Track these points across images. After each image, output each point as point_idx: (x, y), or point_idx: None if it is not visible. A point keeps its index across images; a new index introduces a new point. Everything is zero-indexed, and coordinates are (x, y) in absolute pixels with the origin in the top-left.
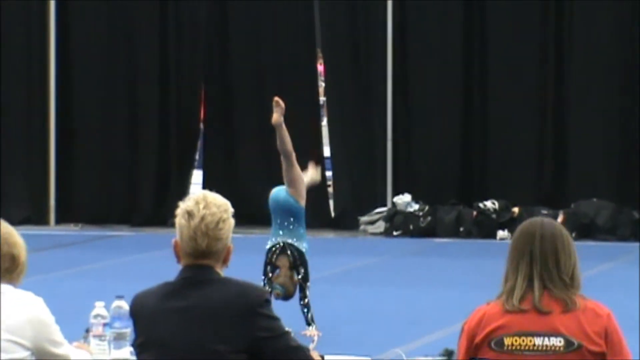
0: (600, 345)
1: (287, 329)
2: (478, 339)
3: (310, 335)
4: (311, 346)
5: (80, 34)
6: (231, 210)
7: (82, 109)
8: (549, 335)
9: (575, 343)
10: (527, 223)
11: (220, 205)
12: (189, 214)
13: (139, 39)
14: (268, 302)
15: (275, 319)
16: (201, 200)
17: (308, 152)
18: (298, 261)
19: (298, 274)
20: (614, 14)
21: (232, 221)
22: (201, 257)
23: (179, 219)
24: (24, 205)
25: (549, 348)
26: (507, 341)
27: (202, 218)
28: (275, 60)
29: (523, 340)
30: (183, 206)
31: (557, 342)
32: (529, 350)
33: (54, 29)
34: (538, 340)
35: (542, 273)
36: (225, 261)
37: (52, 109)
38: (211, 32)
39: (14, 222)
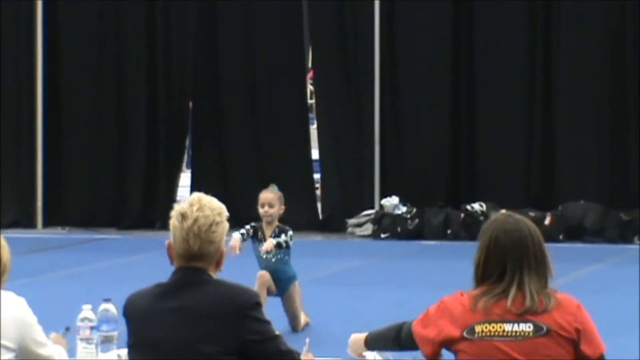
0: (570, 333)
1: (277, 332)
2: (453, 329)
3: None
4: (304, 349)
5: (68, 36)
6: (226, 214)
7: (70, 112)
8: (518, 322)
9: (545, 328)
10: (514, 229)
11: (214, 208)
12: (183, 216)
13: (128, 41)
14: (259, 304)
15: (266, 322)
16: (195, 203)
17: (297, 155)
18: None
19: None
20: (603, 14)
21: (226, 225)
22: (193, 259)
23: (173, 220)
24: (12, 209)
25: (518, 333)
26: (478, 329)
27: (195, 220)
28: (265, 62)
29: (493, 327)
30: (177, 208)
31: (526, 327)
32: (499, 336)
33: (41, 31)
34: (508, 327)
35: (534, 284)
36: (218, 265)
37: (39, 112)
38: (200, 34)
39: (1, 225)
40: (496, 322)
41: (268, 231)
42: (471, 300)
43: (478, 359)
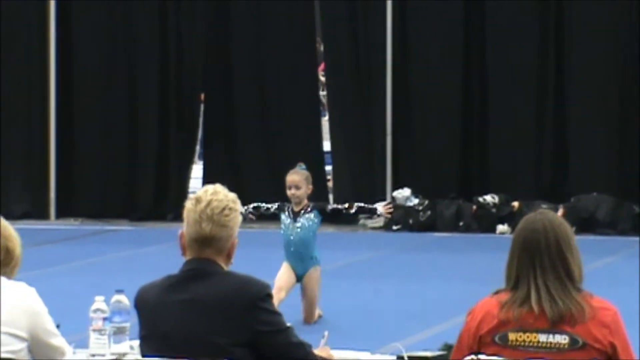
0: (604, 346)
1: (288, 324)
2: (483, 331)
3: None
4: (322, 342)
5: (81, 28)
6: (240, 206)
7: (82, 104)
8: (553, 333)
9: (580, 341)
10: (529, 228)
11: (228, 195)
12: (197, 200)
13: (139, 35)
14: (269, 296)
15: (276, 313)
16: (210, 189)
17: (309, 147)
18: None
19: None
20: (614, 8)
21: (239, 216)
22: (205, 244)
23: (187, 205)
24: (24, 200)
25: (553, 345)
26: (512, 337)
27: (209, 203)
28: (276, 55)
29: (527, 337)
30: (192, 196)
31: (561, 339)
32: (533, 347)
33: (54, 22)
34: (542, 337)
35: (552, 285)
36: (229, 256)
37: (52, 104)
38: (211, 27)
39: (14, 217)
40: (530, 332)
41: (297, 209)
42: (499, 307)
43: None
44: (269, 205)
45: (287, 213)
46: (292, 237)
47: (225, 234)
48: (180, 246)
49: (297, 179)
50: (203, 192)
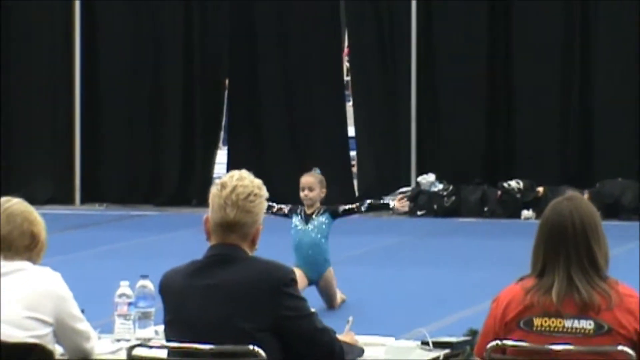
0: (629, 332)
1: (312, 309)
2: (508, 318)
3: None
4: (346, 327)
5: (105, 11)
6: (265, 192)
7: (107, 90)
8: (579, 318)
9: (606, 326)
10: (556, 213)
11: (254, 181)
12: (222, 185)
13: (165, 18)
14: (294, 281)
15: (301, 299)
16: (236, 174)
17: (333, 132)
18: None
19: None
20: None
21: (264, 202)
22: (229, 230)
23: (213, 190)
24: (49, 185)
25: (578, 330)
26: (537, 322)
27: (234, 188)
28: (301, 40)
29: (552, 322)
30: (218, 181)
31: (587, 324)
32: (558, 332)
33: (79, 7)
34: (568, 322)
35: (576, 275)
36: (253, 242)
37: (77, 89)
38: (236, 11)
39: (39, 202)
40: (556, 317)
41: (309, 211)
42: (524, 293)
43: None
44: (282, 206)
45: (299, 215)
46: (303, 240)
47: (250, 219)
48: (205, 231)
49: (311, 180)
50: (229, 177)
